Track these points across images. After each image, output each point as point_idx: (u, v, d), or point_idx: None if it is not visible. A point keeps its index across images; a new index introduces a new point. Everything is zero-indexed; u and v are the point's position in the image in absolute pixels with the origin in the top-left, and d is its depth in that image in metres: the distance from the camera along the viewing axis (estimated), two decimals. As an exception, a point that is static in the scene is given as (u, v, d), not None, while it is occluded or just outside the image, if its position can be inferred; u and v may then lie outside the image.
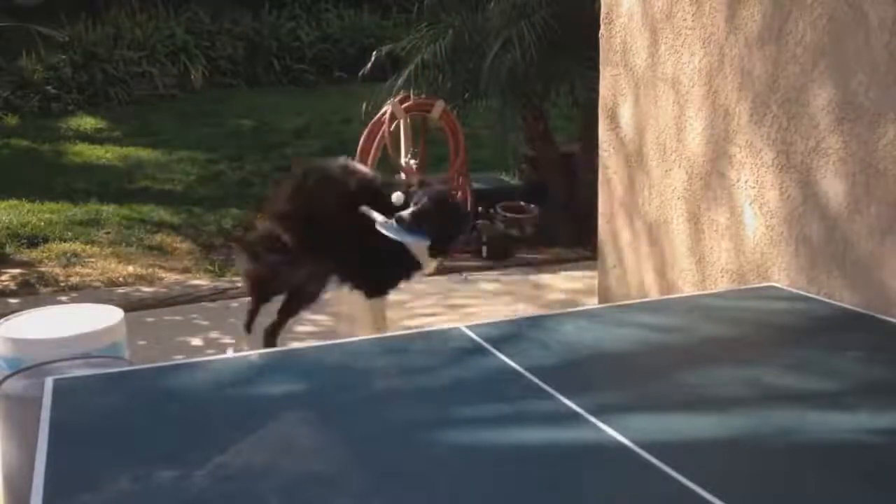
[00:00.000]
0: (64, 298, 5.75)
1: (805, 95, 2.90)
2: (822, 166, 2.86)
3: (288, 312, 3.59)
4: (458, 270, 6.49)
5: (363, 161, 6.51)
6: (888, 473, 1.79)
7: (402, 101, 6.78)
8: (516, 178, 7.81)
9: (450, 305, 5.82)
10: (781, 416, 2.04)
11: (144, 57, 12.35)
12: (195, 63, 12.73)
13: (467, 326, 2.66)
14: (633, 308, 3.14)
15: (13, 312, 3.32)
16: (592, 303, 4.50)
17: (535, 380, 2.23)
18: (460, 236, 3.83)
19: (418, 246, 3.28)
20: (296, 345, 3.40)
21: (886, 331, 2.60)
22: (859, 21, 2.68)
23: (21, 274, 6.35)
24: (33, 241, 6.99)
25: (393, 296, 3.58)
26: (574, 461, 1.86)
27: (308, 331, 4.78)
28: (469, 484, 1.77)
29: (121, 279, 6.33)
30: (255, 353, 2.87)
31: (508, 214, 7.10)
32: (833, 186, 2.82)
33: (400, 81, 7.06)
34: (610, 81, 3.93)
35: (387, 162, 6.61)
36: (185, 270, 6.59)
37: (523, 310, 5.59)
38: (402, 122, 6.76)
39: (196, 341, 5.16)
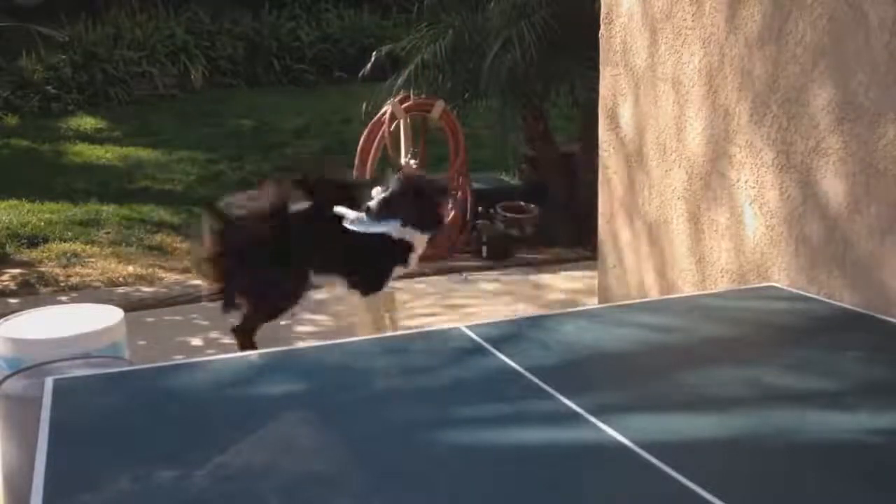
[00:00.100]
0: (64, 298, 5.75)
1: (805, 95, 2.90)
2: (822, 166, 2.86)
3: (259, 309, 3.35)
4: (458, 270, 6.50)
5: (363, 161, 6.53)
6: (888, 473, 1.79)
7: (402, 101, 6.77)
8: (516, 178, 7.80)
9: (450, 305, 5.83)
10: (781, 416, 2.04)
11: (144, 57, 12.36)
12: (195, 63, 12.73)
13: (467, 326, 2.66)
14: (633, 308, 3.14)
15: (13, 312, 3.33)
16: (592, 303, 4.50)
17: (535, 380, 2.23)
18: (443, 209, 3.77)
19: (400, 231, 3.27)
20: (297, 345, 3.40)
21: (886, 331, 2.59)
22: (859, 21, 2.67)
23: (21, 274, 6.36)
24: (33, 241, 6.99)
25: (397, 296, 3.56)
26: (574, 461, 1.86)
27: (308, 331, 4.78)
28: (469, 484, 1.77)
29: (121, 279, 6.33)
30: (255, 353, 2.87)
31: (508, 214, 7.10)
32: (833, 186, 2.82)
33: (400, 81, 7.06)
34: (610, 81, 3.93)
35: (387, 162, 6.61)
36: (185, 270, 6.58)
37: (523, 310, 5.60)
38: (402, 122, 6.75)
39: (196, 341, 5.16)
